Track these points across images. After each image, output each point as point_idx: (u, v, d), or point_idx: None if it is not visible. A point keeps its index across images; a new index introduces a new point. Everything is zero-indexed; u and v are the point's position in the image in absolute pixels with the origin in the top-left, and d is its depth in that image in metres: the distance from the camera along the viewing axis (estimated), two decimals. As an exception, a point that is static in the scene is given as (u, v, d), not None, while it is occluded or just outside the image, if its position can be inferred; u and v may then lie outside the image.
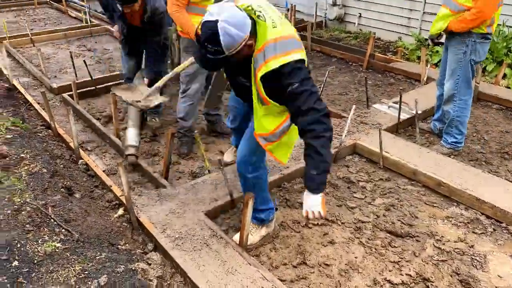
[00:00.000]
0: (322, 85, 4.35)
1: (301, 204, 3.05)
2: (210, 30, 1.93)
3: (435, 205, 3.11)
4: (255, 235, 2.74)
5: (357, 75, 5.53)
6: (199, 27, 1.99)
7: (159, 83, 3.52)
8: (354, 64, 5.87)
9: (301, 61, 2.07)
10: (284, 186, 3.27)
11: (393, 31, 6.65)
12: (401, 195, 3.21)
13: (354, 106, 3.53)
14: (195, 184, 3.19)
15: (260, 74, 2.05)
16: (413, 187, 3.30)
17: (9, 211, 2.67)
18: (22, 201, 2.76)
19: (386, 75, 5.50)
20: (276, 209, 2.89)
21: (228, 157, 3.57)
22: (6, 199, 2.77)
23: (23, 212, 2.67)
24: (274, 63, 2.00)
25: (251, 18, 2.04)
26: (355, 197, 3.20)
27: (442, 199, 3.18)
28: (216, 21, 1.91)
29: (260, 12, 2.06)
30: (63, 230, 2.58)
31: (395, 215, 2.99)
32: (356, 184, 3.34)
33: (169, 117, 4.41)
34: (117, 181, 3.23)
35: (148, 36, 3.81)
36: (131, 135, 3.55)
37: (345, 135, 3.57)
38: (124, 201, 2.86)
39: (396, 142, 3.71)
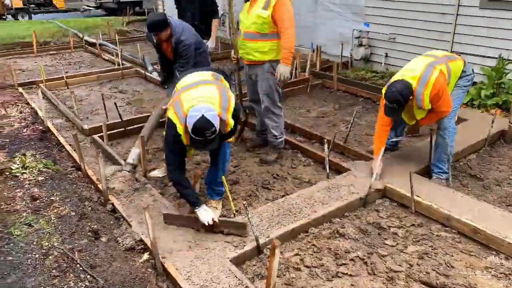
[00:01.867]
0: (350, 126, 4.30)
1: (330, 249, 2.97)
2: (204, 123, 2.76)
3: (472, 253, 2.95)
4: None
5: (384, 115, 5.46)
6: (192, 129, 2.79)
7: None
8: (381, 103, 5.82)
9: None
10: (312, 231, 3.18)
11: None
12: (435, 242, 3.07)
13: (383, 149, 3.46)
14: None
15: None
16: (447, 234, 3.15)
17: (37, 255, 2.69)
18: (50, 245, 2.78)
19: (414, 114, 5.41)
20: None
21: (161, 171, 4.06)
22: (34, 243, 2.81)
23: (50, 257, 2.68)
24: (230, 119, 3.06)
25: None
26: (386, 244, 3.07)
27: (479, 247, 3.01)
28: (203, 115, 2.76)
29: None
30: (88, 276, 2.56)
31: (429, 264, 2.84)
32: (387, 230, 3.21)
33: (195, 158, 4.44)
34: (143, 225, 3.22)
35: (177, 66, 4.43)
36: (132, 154, 4.04)
37: (374, 178, 3.48)
38: (150, 246, 2.84)
39: (428, 185, 3.58)
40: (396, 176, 3.73)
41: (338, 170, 4.02)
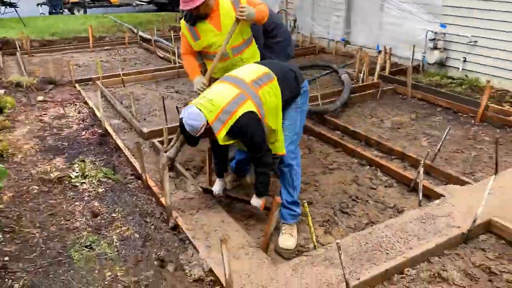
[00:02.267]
0: (441, 143, 3.74)
1: None
2: (182, 125, 2.82)
3: None
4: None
5: (470, 128, 4.84)
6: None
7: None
8: (464, 115, 5.20)
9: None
10: (408, 273, 2.70)
11: (508, 78, 5.87)
12: None
13: (493, 177, 2.92)
14: (301, 263, 2.73)
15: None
16: None
17: None
18: (113, 276, 2.47)
19: (506, 130, 4.76)
20: None
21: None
22: (96, 271, 2.51)
23: (114, 290, 2.37)
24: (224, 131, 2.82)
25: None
26: (502, 296, 2.55)
27: None
28: (181, 118, 2.82)
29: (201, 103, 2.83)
30: (158, 319, 2.23)
31: None
32: (499, 276, 2.68)
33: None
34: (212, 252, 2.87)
35: None
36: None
37: (481, 211, 2.94)
38: (224, 284, 2.48)
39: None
40: (501, 206, 3.18)
41: (427, 195, 3.50)
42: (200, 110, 2.78)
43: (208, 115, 2.78)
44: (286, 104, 3.07)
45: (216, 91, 2.90)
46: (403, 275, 2.70)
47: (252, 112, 2.82)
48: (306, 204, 2.80)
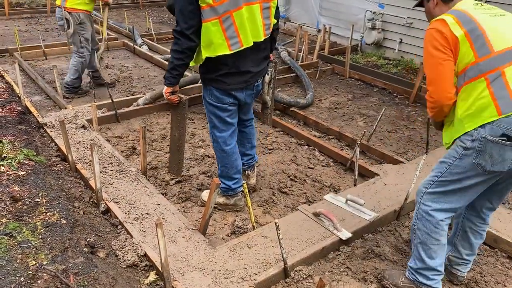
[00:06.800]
0: (376, 123, 3.84)
1: (365, 272, 2.51)
2: None
3: (527, 284, 2.60)
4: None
5: (404, 109, 5.03)
6: None
7: None
8: (399, 96, 5.39)
9: None
10: (344, 250, 2.76)
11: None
12: (482, 267, 2.70)
13: (424, 156, 3.03)
14: (240, 244, 2.68)
15: None
16: (495, 258, 2.79)
17: (22, 279, 2.18)
18: (37, 265, 2.27)
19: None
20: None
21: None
22: (18, 261, 2.29)
23: (39, 281, 2.18)
24: None
25: None
26: (429, 268, 2.68)
27: (533, 275, 2.66)
28: None
29: None
30: (88, 310, 2.07)
31: (482, 296, 2.48)
32: (427, 250, 2.82)
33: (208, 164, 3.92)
34: (148, 238, 2.73)
35: None
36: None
37: (412, 189, 3.06)
38: (159, 267, 2.37)
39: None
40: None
41: (363, 174, 3.59)
42: None
43: None
44: None
45: None
46: (339, 253, 2.75)
47: None
48: (245, 185, 2.75)
